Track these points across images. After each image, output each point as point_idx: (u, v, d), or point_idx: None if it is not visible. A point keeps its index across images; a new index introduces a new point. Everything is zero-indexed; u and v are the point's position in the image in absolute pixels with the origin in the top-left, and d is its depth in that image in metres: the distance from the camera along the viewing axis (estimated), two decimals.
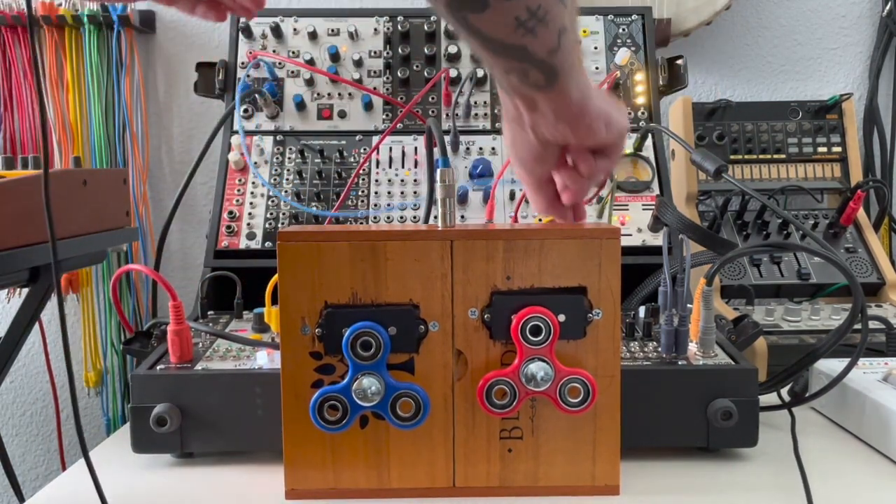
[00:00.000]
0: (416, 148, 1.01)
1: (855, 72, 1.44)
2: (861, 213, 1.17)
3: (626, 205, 0.98)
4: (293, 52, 1.06)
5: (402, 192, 0.98)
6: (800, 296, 1.12)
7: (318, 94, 1.05)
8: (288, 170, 1.00)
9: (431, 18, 1.06)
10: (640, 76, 1.05)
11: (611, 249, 0.60)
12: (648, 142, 1.01)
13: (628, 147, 1.00)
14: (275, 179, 0.99)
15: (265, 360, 0.71)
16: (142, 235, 1.42)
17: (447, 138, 1.00)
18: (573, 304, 0.60)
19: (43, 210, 0.75)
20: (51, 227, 0.52)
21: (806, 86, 1.44)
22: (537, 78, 0.52)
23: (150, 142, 1.45)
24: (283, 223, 0.96)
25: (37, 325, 1.25)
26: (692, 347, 0.73)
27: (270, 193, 0.98)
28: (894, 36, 1.39)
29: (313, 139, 1.03)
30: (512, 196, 0.98)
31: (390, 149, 1.01)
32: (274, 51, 1.06)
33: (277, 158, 1.01)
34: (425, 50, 1.05)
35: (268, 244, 0.95)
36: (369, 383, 0.59)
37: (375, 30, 1.07)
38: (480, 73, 1.04)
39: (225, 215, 0.97)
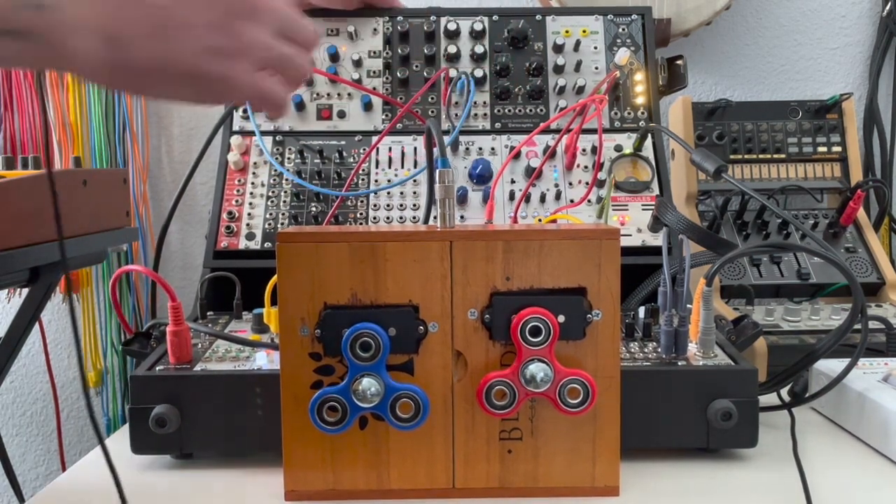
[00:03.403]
0: (415, 148, 1.01)
1: (855, 72, 1.43)
2: (861, 213, 1.17)
3: (626, 205, 0.97)
4: None
5: (401, 193, 0.98)
6: (800, 296, 1.12)
7: (318, 95, 1.05)
8: (287, 170, 1.00)
9: (431, 18, 1.06)
10: (639, 76, 1.05)
11: (610, 250, 0.60)
12: (648, 142, 1.01)
13: (628, 147, 1.01)
14: (274, 180, 0.99)
15: (264, 361, 0.71)
16: (142, 235, 1.42)
17: (447, 138, 1.00)
18: (573, 305, 0.60)
19: (42, 210, 0.75)
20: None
21: (806, 86, 1.44)
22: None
23: (150, 142, 1.45)
24: (282, 224, 0.96)
25: (37, 325, 1.25)
26: (692, 348, 0.73)
27: (291, 181, 0.98)
28: (894, 36, 1.39)
29: (312, 139, 1.02)
30: (512, 196, 0.97)
31: (389, 149, 1.01)
32: None
33: (277, 159, 1.01)
34: (424, 50, 1.05)
35: (267, 245, 0.95)
36: (369, 384, 0.59)
37: (375, 30, 1.07)
38: (480, 73, 1.04)
39: (224, 216, 0.96)
